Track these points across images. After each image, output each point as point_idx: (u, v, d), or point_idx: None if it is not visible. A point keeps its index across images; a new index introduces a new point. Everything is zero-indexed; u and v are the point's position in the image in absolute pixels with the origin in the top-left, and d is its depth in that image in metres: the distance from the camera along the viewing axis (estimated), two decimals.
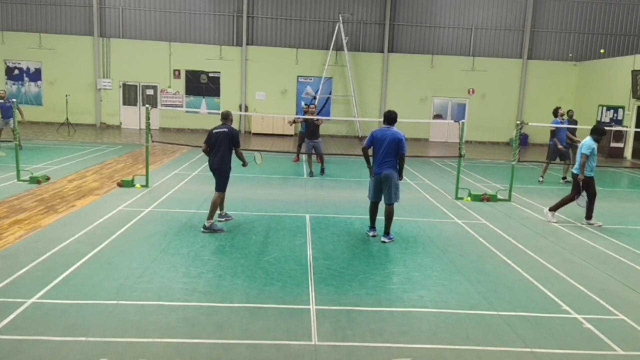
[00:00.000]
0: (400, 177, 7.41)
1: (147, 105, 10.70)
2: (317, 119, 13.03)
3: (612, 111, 20.84)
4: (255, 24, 23.50)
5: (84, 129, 22.10)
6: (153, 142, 13.96)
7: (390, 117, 7.39)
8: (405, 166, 7.44)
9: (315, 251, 6.79)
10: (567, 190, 12.36)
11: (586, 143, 8.70)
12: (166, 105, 23.49)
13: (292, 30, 23.66)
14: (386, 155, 7.23)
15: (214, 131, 7.57)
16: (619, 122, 20.10)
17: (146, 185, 10.40)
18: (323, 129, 17.28)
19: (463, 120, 10.62)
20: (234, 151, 7.66)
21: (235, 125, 23.63)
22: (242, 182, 11.29)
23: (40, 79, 23.21)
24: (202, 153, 7.80)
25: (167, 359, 4.00)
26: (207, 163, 7.84)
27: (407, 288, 5.67)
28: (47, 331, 4.31)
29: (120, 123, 23.70)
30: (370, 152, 7.58)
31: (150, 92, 23.51)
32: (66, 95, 21.43)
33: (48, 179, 10.59)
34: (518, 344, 4.47)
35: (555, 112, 13.52)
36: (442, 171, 14.65)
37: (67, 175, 11.34)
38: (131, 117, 23.65)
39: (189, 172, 12.47)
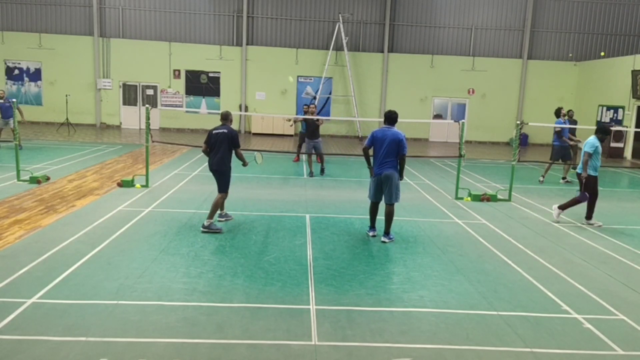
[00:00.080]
0: (401, 177, 7.40)
1: (147, 105, 10.70)
2: (318, 119, 13.03)
3: (612, 111, 20.84)
4: (255, 24, 23.51)
5: (84, 129, 22.11)
6: (153, 142, 13.96)
7: (390, 117, 7.37)
8: (405, 166, 7.43)
9: (315, 251, 6.79)
10: (568, 190, 12.40)
11: (589, 141, 8.68)
12: (166, 105, 23.50)
13: (292, 30, 23.66)
14: (387, 156, 7.22)
15: (214, 132, 7.57)
16: (619, 122, 20.10)
17: (146, 185, 10.40)
18: (323, 129, 17.29)
19: (463, 120, 10.62)
20: (233, 152, 7.66)
21: (235, 125, 23.64)
22: (242, 182, 11.29)
23: (40, 79, 23.22)
24: (202, 153, 7.80)
25: (167, 359, 4.00)
26: (207, 163, 7.84)
27: (407, 288, 5.67)
28: (47, 331, 4.31)
29: (120, 123, 23.70)
30: (370, 152, 7.57)
31: (150, 92, 23.51)
32: (66, 95, 21.43)
33: (48, 179, 10.59)
34: (518, 344, 4.47)
35: (558, 113, 13.53)
36: (442, 171, 14.65)
37: (67, 175, 11.34)
38: (131, 117, 23.65)
39: (189, 172, 12.47)
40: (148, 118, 10.32)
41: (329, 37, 23.19)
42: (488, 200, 10.44)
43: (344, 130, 24.30)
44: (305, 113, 14.17)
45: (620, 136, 19.83)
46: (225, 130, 7.52)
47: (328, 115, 23.40)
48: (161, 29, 23.30)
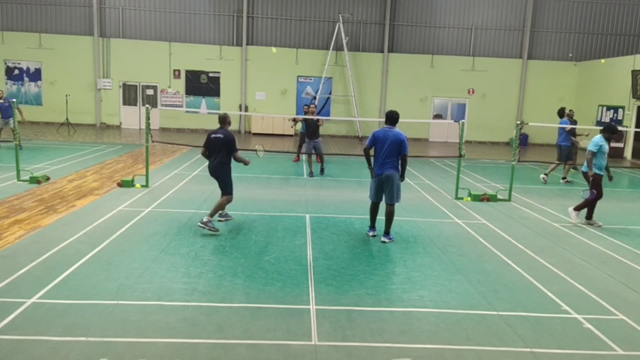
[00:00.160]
0: (402, 178, 7.39)
1: (147, 105, 10.70)
2: (318, 120, 13.03)
3: (612, 111, 20.85)
4: (255, 24, 23.51)
5: (84, 129, 22.11)
6: (153, 142, 13.96)
7: (392, 118, 7.35)
8: (406, 167, 7.43)
9: (315, 251, 6.79)
10: (568, 190, 12.40)
11: (594, 140, 8.66)
12: (166, 105, 23.50)
13: (292, 30, 23.66)
14: (388, 156, 7.20)
15: (212, 136, 7.54)
16: (619, 122, 20.10)
17: (146, 185, 10.40)
18: (323, 129, 17.28)
19: (463, 120, 10.62)
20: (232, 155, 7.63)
21: (235, 125, 23.67)
22: (242, 182, 11.29)
23: (40, 79, 23.22)
24: (202, 156, 7.79)
25: (167, 359, 4.00)
26: (207, 163, 7.84)
27: (407, 288, 5.66)
28: (47, 331, 4.31)
29: (120, 123, 23.70)
30: (371, 152, 7.56)
31: (150, 92, 23.51)
32: (66, 95, 21.43)
33: (48, 179, 10.59)
34: (518, 344, 4.47)
35: (562, 113, 13.50)
36: (442, 171, 14.65)
37: (67, 175, 11.34)
38: (131, 117, 23.65)
39: (189, 172, 12.47)
40: (148, 118, 10.32)
41: (329, 37, 23.20)
42: (488, 200, 10.44)
43: (344, 130, 24.31)
44: (306, 113, 14.18)
45: (620, 136, 19.84)
46: (221, 136, 7.47)
47: (328, 115, 23.40)
48: (161, 29, 23.30)
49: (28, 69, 23.13)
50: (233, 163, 7.69)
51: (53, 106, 22.98)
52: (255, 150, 8.86)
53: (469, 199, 10.44)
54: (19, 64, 23.08)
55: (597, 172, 8.66)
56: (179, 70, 23.41)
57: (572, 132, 13.33)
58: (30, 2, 22.75)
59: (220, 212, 7.93)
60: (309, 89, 23.69)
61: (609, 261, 6.93)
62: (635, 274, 6.48)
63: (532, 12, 23.61)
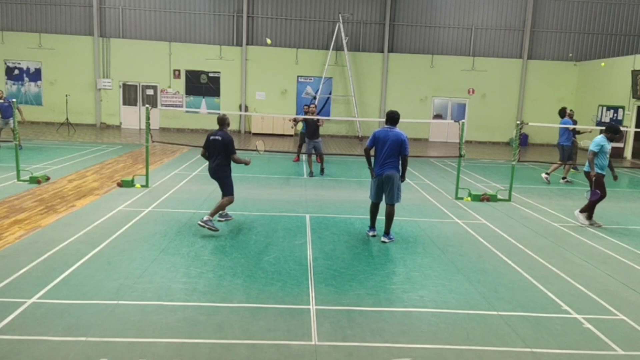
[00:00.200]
0: (403, 178, 7.38)
1: (147, 105, 10.70)
2: (319, 120, 13.03)
3: (612, 111, 20.85)
4: (255, 24, 23.51)
5: (84, 129, 22.11)
6: (153, 142, 13.96)
7: (392, 118, 7.33)
8: (407, 167, 7.42)
9: (315, 251, 6.79)
10: (568, 190, 12.40)
11: (595, 140, 8.64)
12: (166, 105, 23.50)
13: (292, 30, 23.66)
14: (388, 156, 7.19)
15: (211, 137, 7.52)
16: (619, 122, 20.09)
17: (146, 185, 10.40)
18: (323, 129, 17.29)
19: (463, 120, 10.62)
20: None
21: (235, 125, 23.68)
22: (242, 182, 11.28)
23: (40, 79, 23.22)
24: (201, 157, 7.78)
25: (167, 359, 4.00)
26: (207, 164, 7.83)
27: (407, 288, 5.66)
28: (47, 331, 4.31)
29: (120, 123, 23.70)
30: (371, 152, 7.55)
31: (150, 92, 23.51)
32: (66, 95, 21.44)
33: (48, 179, 10.59)
34: (518, 344, 4.47)
35: (564, 113, 13.46)
36: (442, 171, 14.65)
37: (67, 175, 11.34)
38: (131, 117, 23.65)
39: (189, 172, 12.47)
40: (148, 118, 10.32)
41: (329, 37, 23.20)
42: (488, 200, 10.44)
43: (344, 130, 24.31)
44: (306, 113, 14.18)
45: (620, 136, 19.83)
46: (219, 138, 7.43)
47: (328, 115, 23.41)
48: (161, 29, 23.31)
49: (28, 69, 23.13)
50: (233, 164, 7.67)
51: (53, 106, 22.99)
52: (256, 147, 8.82)
53: (469, 199, 10.44)
54: (19, 64, 23.08)
55: (599, 172, 8.65)
56: (179, 70, 23.41)
57: (574, 132, 13.33)
58: (30, 2, 22.75)
59: (220, 212, 7.92)
60: (309, 89, 23.69)
61: (609, 261, 6.93)
62: (635, 274, 6.48)
63: (532, 12, 23.61)
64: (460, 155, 10.46)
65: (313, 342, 4.34)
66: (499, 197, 10.60)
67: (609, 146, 8.71)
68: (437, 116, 24.30)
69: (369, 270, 6.18)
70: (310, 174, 12.81)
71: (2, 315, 4.53)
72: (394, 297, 5.42)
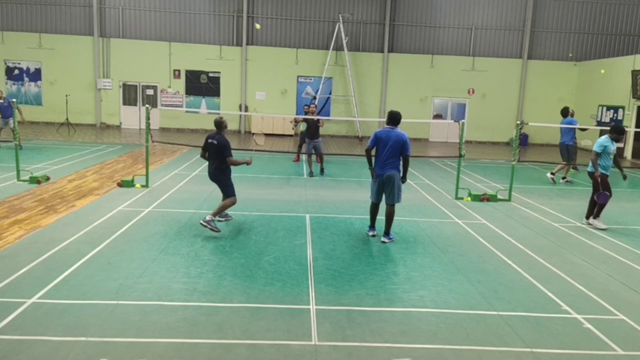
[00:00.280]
0: (404, 179, 7.37)
1: (147, 105, 10.70)
2: (319, 120, 13.03)
3: (612, 111, 20.85)
4: (255, 23, 23.49)
5: (84, 129, 22.11)
6: (153, 142, 13.96)
7: (394, 118, 7.31)
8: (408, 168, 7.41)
9: (315, 251, 6.79)
10: (568, 190, 12.40)
11: (599, 141, 8.58)
12: (166, 105, 23.50)
13: (292, 30, 23.66)
14: (389, 157, 7.18)
15: (208, 140, 7.47)
16: (619, 122, 20.10)
17: (146, 185, 10.40)
18: (323, 129, 17.28)
19: (463, 120, 10.62)
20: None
21: (235, 125, 23.69)
22: (242, 182, 11.28)
23: (40, 79, 23.22)
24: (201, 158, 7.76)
25: (167, 359, 4.00)
26: (207, 164, 7.81)
27: (407, 288, 5.67)
28: (47, 331, 4.31)
29: (120, 123, 23.70)
30: (372, 152, 7.53)
31: (150, 92, 23.51)
32: (66, 95, 21.44)
33: (48, 179, 10.59)
34: (518, 344, 4.47)
35: (566, 112, 13.39)
36: (442, 171, 14.65)
37: (67, 175, 11.34)
38: (131, 117, 23.65)
39: (189, 172, 12.47)
40: (148, 118, 10.31)
41: (329, 37, 23.20)
42: (488, 200, 10.44)
43: (344, 130, 24.31)
44: (306, 113, 14.18)
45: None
46: (215, 142, 7.38)
47: (328, 115, 23.41)
48: (161, 29, 23.31)
49: (28, 69, 23.13)
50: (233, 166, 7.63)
51: (53, 106, 22.99)
52: (255, 142, 8.75)
53: (469, 199, 10.44)
54: (19, 64, 23.08)
55: (602, 172, 8.60)
56: (179, 70, 23.41)
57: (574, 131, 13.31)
58: (30, 2, 22.75)
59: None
60: (309, 89, 23.69)
61: (609, 261, 6.93)
62: (635, 274, 6.48)
63: (532, 12, 23.61)
64: (460, 155, 10.46)
65: (313, 342, 4.34)
66: (499, 197, 10.60)
67: (613, 147, 8.61)
68: (437, 116, 24.30)
69: (369, 270, 6.18)
70: (310, 174, 12.81)
71: (2, 315, 4.53)
72: (394, 297, 5.42)
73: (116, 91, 23.46)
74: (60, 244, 6.56)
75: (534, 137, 23.92)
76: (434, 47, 23.95)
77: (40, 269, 5.67)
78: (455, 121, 10.91)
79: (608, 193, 8.51)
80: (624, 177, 8.96)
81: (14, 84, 23.16)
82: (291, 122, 17.75)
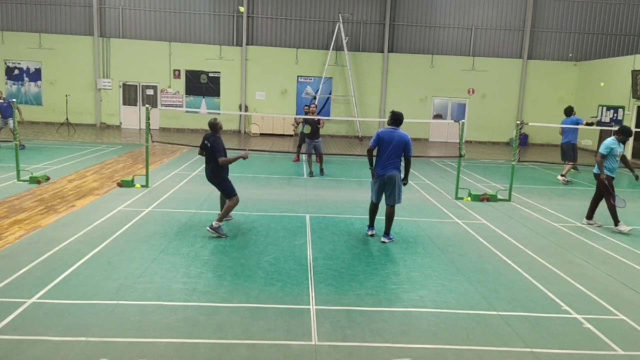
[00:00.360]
0: (406, 181, 7.36)
1: (147, 105, 10.70)
2: (319, 121, 13.03)
3: (612, 111, 20.85)
4: (255, 24, 23.50)
5: (84, 129, 22.11)
6: (153, 142, 13.96)
7: (397, 119, 7.30)
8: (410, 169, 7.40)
9: (315, 251, 6.79)
10: (568, 190, 12.40)
11: (605, 143, 8.52)
12: (166, 105, 23.50)
13: (292, 30, 23.66)
14: (391, 157, 7.18)
15: (204, 141, 7.43)
16: (619, 122, 20.09)
17: (146, 185, 10.40)
18: (323, 129, 17.29)
19: (463, 120, 10.62)
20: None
21: (235, 125, 23.68)
22: (242, 182, 11.28)
23: (40, 79, 23.22)
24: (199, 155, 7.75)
25: (167, 359, 4.00)
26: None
27: (407, 288, 5.67)
28: (47, 331, 4.31)
29: (120, 123, 23.70)
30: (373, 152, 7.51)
31: (150, 92, 23.51)
32: (66, 95, 21.44)
33: (48, 179, 10.59)
34: (518, 344, 4.48)
35: (570, 111, 13.29)
36: (442, 171, 14.65)
37: (67, 175, 11.34)
38: (131, 117, 23.65)
39: (189, 172, 12.47)
40: (148, 118, 10.31)
41: (329, 37, 23.20)
42: (488, 200, 10.44)
43: (344, 130, 24.31)
44: (306, 114, 14.18)
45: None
46: (208, 144, 7.32)
47: (328, 115, 23.41)
48: (161, 29, 23.30)
49: (28, 69, 23.13)
50: (232, 165, 7.59)
51: (53, 106, 22.99)
52: (250, 132, 8.72)
53: (469, 199, 10.44)
54: (19, 64, 23.08)
55: (609, 174, 8.57)
56: (179, 70, 23.41)
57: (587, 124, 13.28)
58: (30, 2, 22.75)
59: (220, 211, 7.89)
60: (309, 89, 23.69)
61: (609, 261, 6.93)
62: (635, 274, 6.48)
63: (532, 12, 23.61)
64: (460, 155, 10.46)
65: (313, 342, 4.34)
66: (499, 197, 10.60)
67: (619, 149, 8.54)
68: (437, 116, 24.30)
69: (369, 270, 6.18)
70: (310, 174, 12.81)
71: (2, 315, 4.54)
72: (394, 297, 5.42)
73: (116, 91, 23.46)
74: (60, 244, 6.56)
75: (534, 137, 23.92)
76: (434, 47, 23.95)
77: (40, 269, 5.67)
78: (455, 121, 10.91)
79: (613, 195, 8.46)
80: (636, 177, 8.76)
81: (14, 84, 23.16)
82: (292, 124, 17.75)
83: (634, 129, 18.63)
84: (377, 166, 7.32)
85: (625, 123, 19.71)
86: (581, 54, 24.03)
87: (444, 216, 9.13)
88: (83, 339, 4.22)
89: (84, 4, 22.87)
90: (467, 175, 13.69)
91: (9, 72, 23.09)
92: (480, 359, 4.22)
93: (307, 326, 4.63)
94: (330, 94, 23.81)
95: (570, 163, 13.22)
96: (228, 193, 7.43)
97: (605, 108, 21.29)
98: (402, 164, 7.40)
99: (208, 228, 7.24)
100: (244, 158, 7.54)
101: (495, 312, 5.10)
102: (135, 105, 23.55)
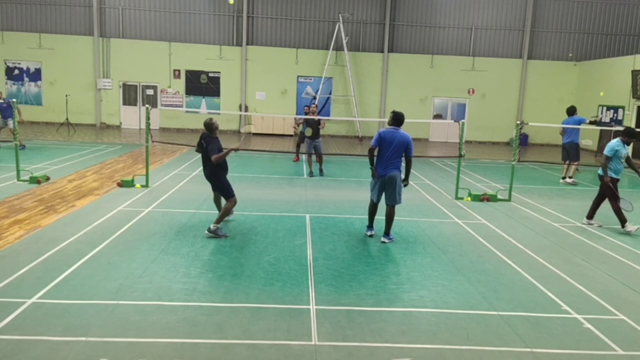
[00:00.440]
0: (406, 182, 7.35)
1: (147, 105, 10.70)
2: (319, 121, 13.03)
3: (612, 111, 20.85)
4: (255, 24, 23.50)
5: (84, 129, 22.11)
6: (153, 142, 13.96)
7: (398, 119, 7.30)
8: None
9: (315, 251, 6.79)
10: (568, 190, 12.40)
11: (610, 144, 8.48)
12: (166, 105, 23.50)
13: (292, 30, 23.66)
14: (392, 157, 7.17)
15: (201, 140, 7.40)
16: (619, 122, 20.09)
17: (146, 185, 10.40)
18: (323, 129, 17.29)
19: (463, 120, 10.62)
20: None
21: (235, 125, 23.67)
22: (242, 182, 11.29)
23: (40, 79, 23.22)
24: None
25: (167, 359, 4.00)
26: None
27: (407, 288, 5.67)
28: (47, 331, 4.31)
29: (120, 123, 23.70)
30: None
31: (150, 92, 23.51)
32: (66, 95, 21.45)
33: (48, 179, 10.59)
34: (518, 344, 4.47)
35: (573, 111, 13.25)
36: (442, 171, 14.65)
37: (67, 175, 11.34)
38: (131, 117, 23.65)
39: (189, 172, 12.47)
40: (148, 118, 10.32)
41: (329, 37, 23.19)
42: (488, 200, 10.44)
43: (344, 130, 24.31)
44: (306, 114, 14.18)
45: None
46: (204, 143, 7.29)
47: (328, 115, 23.41)
48: (161, 29, 23.30)
49: (28, 69, 23.13)
50: (230, 164, 7.56)
51: (53, 106, 22.99)
52: (244, 130, 8.72)
53: (469, 199, 10.44)
54: (19, 64, 23.08)
55: (613, 176, 8.55)
56: (179, 70, 23.41)
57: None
58: (30, 2, 22.75)
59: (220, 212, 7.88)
60: (309, 89, 23.69)
61: (609, 261, 6.93)
62: (635, 274, 6.48)
63: (532, 12, 23.61)
64: (460, 155, 10.46)
65: (313, 342, 4.34)
66: (499, 197, 10.60)
67: (624, 150, 8.49)
68: (437, 116, 24.30)
69: (369, 270, 6.18)
70: (310, 174, 12.81)
71: (2, 315, 4.53)
72: (394, 297, 5.42)
73: (116, 91, 23.46)
74: (60, 244, 6.56)
75: (534, 137, 23.92)
76: (434, 47, 23.95)
77: (40, 269, 5.67)
78: (455, 121, 10.91)
79: (617, 198, 8.44)
80: None
81: (14, 84, 23.16)
82: (293, 126, 17.74)
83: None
84: (378, 166, 7.31)
85: (625, 123, 19.73)
86: (581, 54, 24.04)
87: (444, 216, 9.13)
88: (83, 339, 4.22)
89: (84, 4, 22.87)
90: (467, 175, 13.69)
91: (9, 72, 23.09)
92: (480, 359, 4.22)
93: (307, 326, 4.63)
94: (330, 94, 23.81)
95: (575, 163, 13.19)
96: (226, 193, 7.42)
97: (605, 108, 21.30)
98: (403, 164, 7.38)
99: (206, 232, 7.20)
100: (235, 150, 7.48)
101: (495, 312, 5.10)
102: (135, 105, 23.55)
